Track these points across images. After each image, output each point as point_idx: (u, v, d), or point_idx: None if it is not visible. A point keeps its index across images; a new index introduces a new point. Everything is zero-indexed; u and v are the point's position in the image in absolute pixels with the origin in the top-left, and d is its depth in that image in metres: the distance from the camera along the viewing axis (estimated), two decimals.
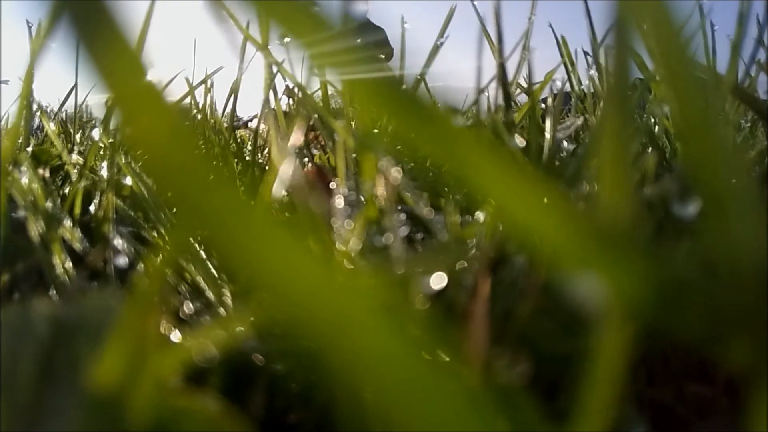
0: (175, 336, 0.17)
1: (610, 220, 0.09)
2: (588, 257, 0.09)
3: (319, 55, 0.09)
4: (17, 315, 0.18)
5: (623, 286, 0.09)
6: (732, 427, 0.25)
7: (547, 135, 0.39)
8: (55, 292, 0.31)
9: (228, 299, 0.26)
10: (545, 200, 0.09)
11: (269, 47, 0.44)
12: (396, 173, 0.31)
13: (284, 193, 0.27)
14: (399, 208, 0.32)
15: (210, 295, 0.27)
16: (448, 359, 0.09)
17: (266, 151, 0.72)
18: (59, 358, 0.17)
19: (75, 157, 0.51)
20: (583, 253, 0.09)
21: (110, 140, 0.46)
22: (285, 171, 0.28)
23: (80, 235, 0.36)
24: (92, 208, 0.43)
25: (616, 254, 0.09)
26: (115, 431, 0.15)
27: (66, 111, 0.93)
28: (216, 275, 0.27)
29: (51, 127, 0.58)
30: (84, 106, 0.78)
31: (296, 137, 0.33)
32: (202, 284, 0.27)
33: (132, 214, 0.38)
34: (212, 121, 0.74)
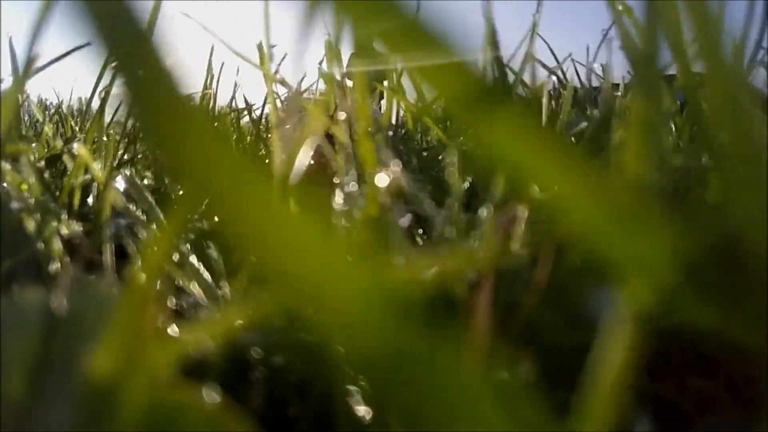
0: (173, 329, 0.17)
1: (636, 193, 0.09)
2: (615, 227, 0.08)
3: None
4: (13, 307, 0.18)
5: (650, 258, 0.08)
6: (734, 423, 0.25)
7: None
8: (51, 283, 0.30)
9: (227, 292, 0.26)
10: (572, 169, 0.08)
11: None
12: (397, 167, 0.31)
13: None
14: (402, 201, 0.32)
15: (208, 288, 0.26)
16: (451, 352, 0.08)
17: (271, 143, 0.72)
18: (55, 350, 0.17)
19: (76, 146, 0.50)
20: (610, 223, 0.08)
21: (108, 133, 0.46)
22: (286, 163, 0.27)
23: (78, 227, 0.36)
24: (90, 200, 0.42)
25: (644, 225, 0.08)
26: (111, 425, 0.15)
27: (65, 102, 0.93)
28: (215, 268, 0.27)
29: (48, 120, 0.58)
30: (86, 99, 0.77)
31: (296, 129, 0.33)
32: (201, 277, 0.27)
33: (130, 207, 0.38)
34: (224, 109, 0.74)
